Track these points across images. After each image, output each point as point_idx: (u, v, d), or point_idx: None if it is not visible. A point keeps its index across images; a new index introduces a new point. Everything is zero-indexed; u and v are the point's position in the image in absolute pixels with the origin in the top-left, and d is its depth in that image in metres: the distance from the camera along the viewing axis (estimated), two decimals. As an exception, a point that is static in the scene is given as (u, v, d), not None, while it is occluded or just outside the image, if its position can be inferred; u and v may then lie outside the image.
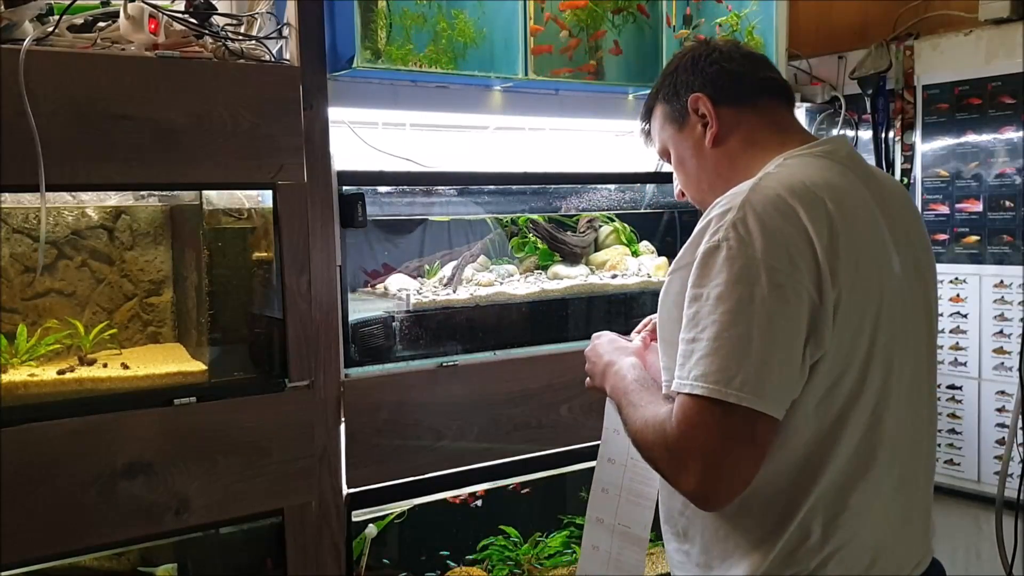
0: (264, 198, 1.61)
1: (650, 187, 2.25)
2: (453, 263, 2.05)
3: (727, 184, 1.19)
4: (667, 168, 2.12)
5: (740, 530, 1.12)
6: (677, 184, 1.39)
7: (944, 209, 2.45)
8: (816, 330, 1.03)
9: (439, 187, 1.94)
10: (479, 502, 2.06)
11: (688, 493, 1.04)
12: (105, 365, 1.56)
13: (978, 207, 2.37)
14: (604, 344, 1.39)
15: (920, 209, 2.50)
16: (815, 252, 1.03)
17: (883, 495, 1.14)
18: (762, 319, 1.00)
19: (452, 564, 2.06)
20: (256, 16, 1.64)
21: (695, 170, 1.30)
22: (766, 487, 1.08)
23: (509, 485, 2.03)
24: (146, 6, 1.44)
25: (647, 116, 1.38)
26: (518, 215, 2.16)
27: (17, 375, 1.47)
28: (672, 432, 1.03)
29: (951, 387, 2.41)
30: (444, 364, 1.80)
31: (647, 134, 1.40)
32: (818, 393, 1.06)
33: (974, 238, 2.37)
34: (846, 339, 1.06)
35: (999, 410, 2.32)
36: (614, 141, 2.35)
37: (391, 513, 1.85)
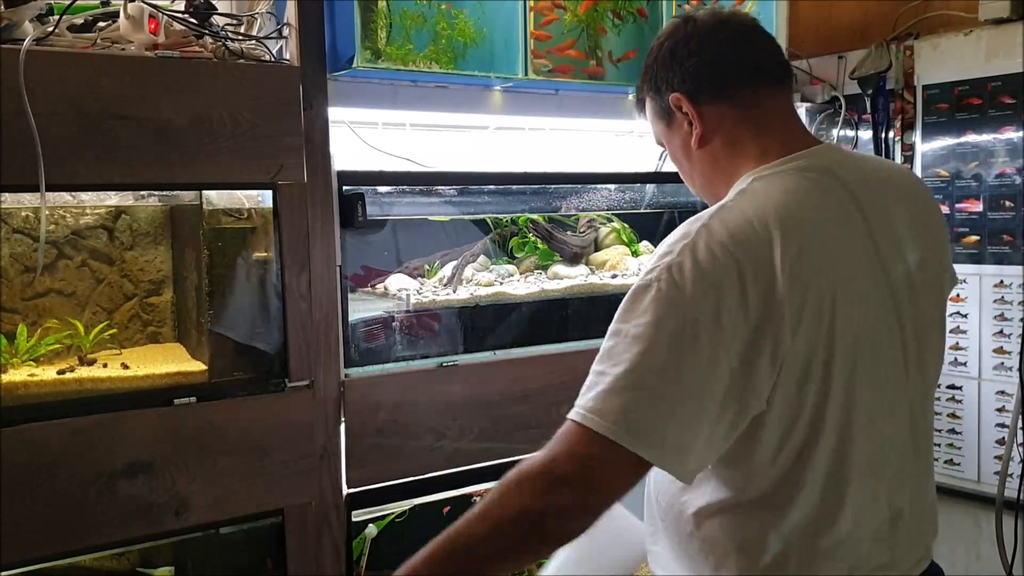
0: (264, 198, 1.61)
1: (650, 187, 2.25)
2: (453, 263, 2.05)
3: (712, 187, 1.17)
4: (667, 168, 2.11)
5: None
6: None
7: (944, 209, 2.45)
8: (745, 385, 0.98)
9: (439, 187, 1.94)
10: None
11: (550, 509, 0.96)
12: (105, 365, 1.56)
13: (978, 207, 2.37)
14: None
15: (920, 209, 2.49)
16: (750, 307, 0.97)
17: (867, 521, 1.11)
18: (673, 368, 0.96)
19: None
20: (256, 16, 1.65)
21: (687, 168, 1.24)
22: (735, 534, 1.07)
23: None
24: (146, 6, 1.44)
25: (640, 108, 1.31)
26: (518, 215, 2.16)
27: (17, 375, 1.47)
28: (547, 456, 0.98)
29: (951, 387, 2.41)
30: (444, 364, 1.80)
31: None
32: (772, 442, 1.03)
33: (974, 238, 2.37)
34: (798, 388, 1.02)
35: (999, 410, 2.32)
36: (614, 141, 2.35)
37: (391, 513, 1.85)
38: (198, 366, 1.58)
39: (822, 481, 1.06)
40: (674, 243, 1.02)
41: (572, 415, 0.99)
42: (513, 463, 1.86)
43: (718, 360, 0.96)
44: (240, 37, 1.58)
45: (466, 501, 1.97)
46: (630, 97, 2.07)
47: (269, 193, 1.57)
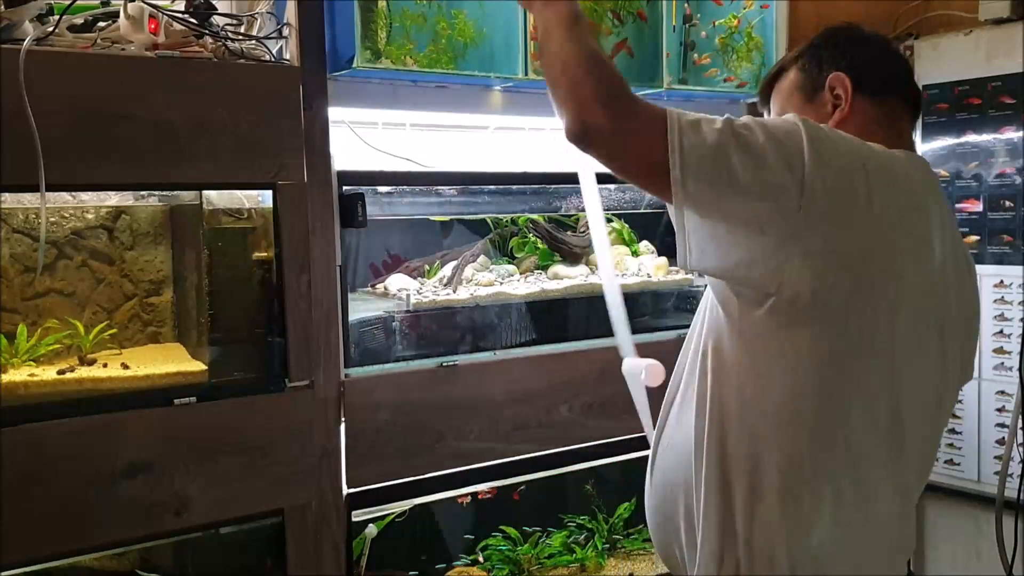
0: (264, 198, 1.61)
1: (650, 187, 2.24)
2: (453, 263, 2.05)
3: None
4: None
5: None
6: None
7: (944, 209, 2.44)
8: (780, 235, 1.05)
9: (439, 187, 1.94)
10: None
11: (587, 123, 1.07)
12: (105, 365, 1.56)
13: (978, 207, 2.37)
14: None
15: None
16: (857, 181, 1.07)
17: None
18: (754, 149, 1.04)
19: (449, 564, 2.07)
20: (256, 16, 1.64)
21: None
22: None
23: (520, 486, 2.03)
24: (146, 6, 1.44)
25: (774, 77, 1.36)
26: (518, 215, 2.16)
27: (17, 375, 1.47)
28: (632, 99, 1.07)
29: (951, 387, 2.41)
30: (444, 364, 1.80)
31: (765, 94, 1.38)
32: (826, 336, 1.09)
33: (974, 238, 2.37)
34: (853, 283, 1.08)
35: (999, 410, 2.32)
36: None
37: (391, 513, 1.85)
38: (198, 366, 1.58)
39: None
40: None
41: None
42: (513, 463, 1.88)
43: (785, 195, 1.04)
44: (240, 37, 1.58)
45: (469, 500, 1.98)
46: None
47: (269, 193, 1.57)
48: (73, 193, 1.57)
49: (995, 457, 2.32)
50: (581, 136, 1.07)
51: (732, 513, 1.15)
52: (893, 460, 1.17)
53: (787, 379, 1.11)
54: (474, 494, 1.98)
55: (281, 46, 1.64)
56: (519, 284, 2.04)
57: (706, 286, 1.21)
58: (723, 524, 1.15)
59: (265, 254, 1.62)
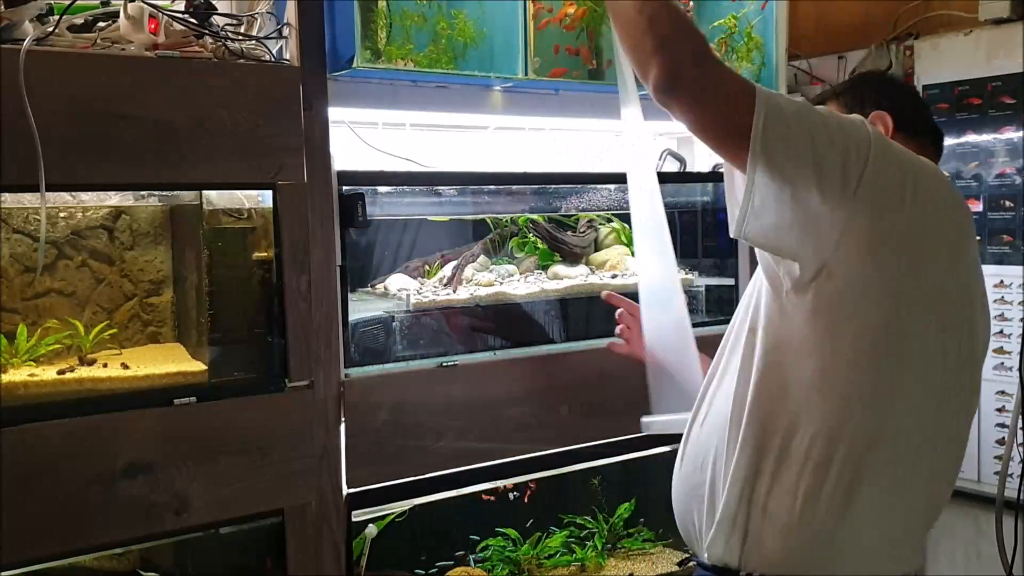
0: (264, 198, 1.61)
1: (650, 187, 2.24)
2: (453, 263, 2.05)
3: None
4: (666, 168, 2.11)
5: None
6: None
7: (944, 209, 2.44)
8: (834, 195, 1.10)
9: (439, 187, 1.94)
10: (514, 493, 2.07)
11: (678, 76, 1.09)
12: (105, 365, 1.56)
13: (978, 207, 2.37)
14: None
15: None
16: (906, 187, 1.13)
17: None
18: (830, 126, 1.11)
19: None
20: (256, 16, 1.64)
21: None
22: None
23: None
24: (146, 6, 1.44)
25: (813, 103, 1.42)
26: (518, 215, 2.16)
27: (17, 375, 1.47)
28: (716, 60, 1.11)
29: (951, 387, 2.41)
30: (444, 364, 1.80)
31: None
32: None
33: (974, 238, 2.37)
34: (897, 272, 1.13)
35: (999, 410, 2.32)
36: (614, 141, 2.35)
37: (391, 513, 1.85)
38: (198, 366, 1.58)
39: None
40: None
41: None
42: (513, 463, 1.88)
43: (849, 171, 1.10)
44: (240, 37, 1.58)
45: (469, 500, 1.98)
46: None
47: (269, 193, 1.57)
48: (73, 193, 1.57)
49: (995, 457, 2.32)
50: (670, 88, 1.09)
51: (756, 478, 1.18)
52: (926, 455, 1.20)
53: (827, 355, 1.14)
54: (474, 494, 1.98)
55: (281, 46, 1.64)
56: (519, 284, 2.04)
57: (755, 267, 1.25)
58: (744, 488, 1.19)
59: (265, 254, 1.62)
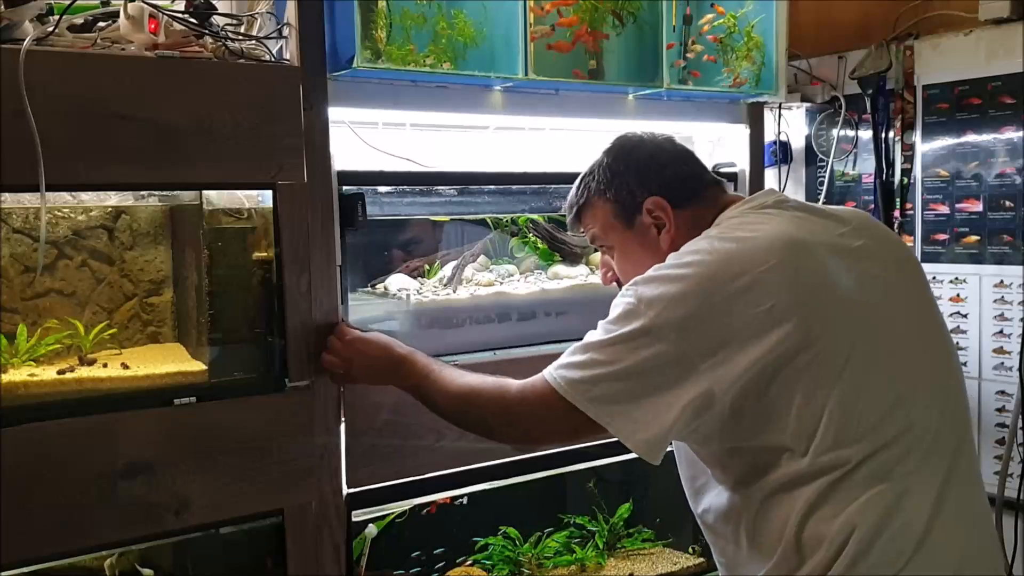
0: (264, 198, 1.60)
1: (650, 187, 2.24)
2: (453, 263, 2.05)
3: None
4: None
5: None
6: (605, 271, 1.52)
7: (944, 209, 2.45)
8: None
9: (439, 187, 1.94)
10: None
11: (507, 438, 1.42)
12: (105, 365, 1.56)
13: (978, 207, 2.37)
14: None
15: (920, 209, 2.50)
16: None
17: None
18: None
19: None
20: (256, 16, 1.64)
21: (641, 261, 1.36)
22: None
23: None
24: (146, 6, 1.44)
25: (580, 208, 1.48)
26: (518, 215, 2.16)
27: (17, 375, 1.47)
28: (522, 400, 1.32)
29: (951, 387, 2.41)
30: (444, 364, 1.80)
31: (574, 223, 1.51)
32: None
33: (974, 238, 2.38)
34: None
35: (999, 410, 2.32)
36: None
37: (391, 513, 1.85)
38: (198, 366, 1.58)
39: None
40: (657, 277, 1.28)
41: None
42: (513, 464, 1.89)
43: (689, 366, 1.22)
44: (240, 37, 1.58)
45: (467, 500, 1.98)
46: (630, 97, 2.07)
47: (269, 193, 1.57)
48: (73, 193, 1.57)
49: (995, 457, 2.32)
50: (519, 446, 1.45)
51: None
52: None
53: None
54: (473, 495, 1.98)
55: (281, 46, 1.64)
56: (519, 284, 2.04)
57: None
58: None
59: (265, 254, 1.62)
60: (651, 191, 1.37)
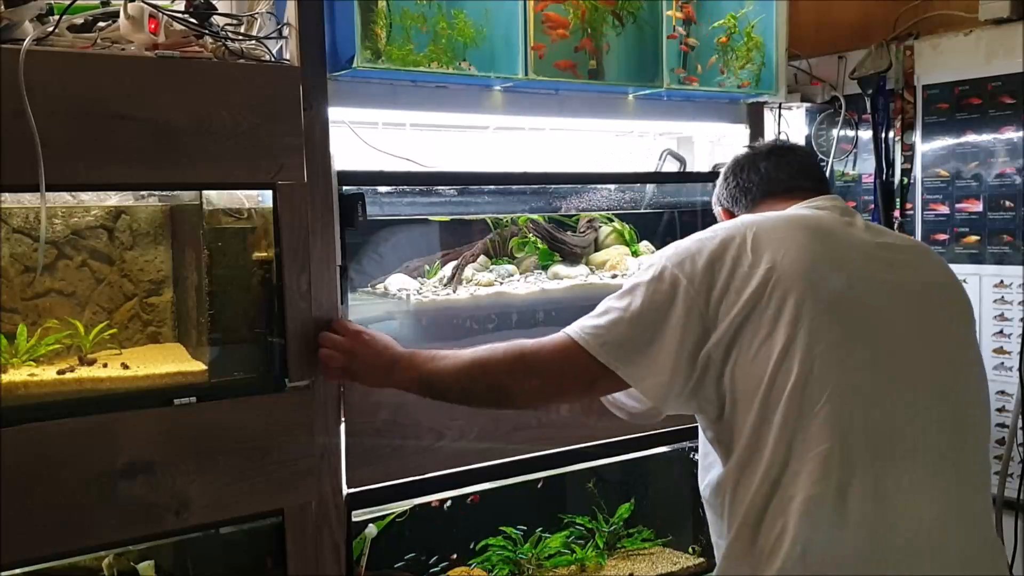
0: (264, 198, 1.60)
1: (650, 187, 2.25)
2: (453, 263, 2.05)
3: None
4: (666, 168, 2.12)
5: None
6: None
7: (944, 209, 2.45)
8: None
9: (439, 187, 1.94)
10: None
11: (522, 396, 1.43)
12: (105, 365, 1.56)
13: (978, 207, 2.37)
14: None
15: (920, 209, 2.50)
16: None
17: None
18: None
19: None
20: (256, 16, 1.64)
21: None
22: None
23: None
24: (146, 6, 1.44)
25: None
26: (518, 215, 2.16)
27: (17, 375, 1.47)
28: (539, 352, 1.35)
29: (951, 387, 2.41)
30: (444, 364, 1.80)
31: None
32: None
33: (974, 238, 2.37)
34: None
35: (999, 410, 2.32)
36: (614, 141, 2.35)
37: (391, 513, 1.85)
38: (198, 366, 1.58)
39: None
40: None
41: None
42: (513, 464, 1.88)
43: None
44: (240, 37, 1.58)
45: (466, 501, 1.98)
46: (630, 97, 2.07)
47: (269, 193, 1.57)
48: (73, 193, 1.57)
49: (995, 457, 2.32)
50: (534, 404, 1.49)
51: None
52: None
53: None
54: (473, 495, 1.98)
55: (281, 46, 1.64)
56: (519, 284, 2.04)
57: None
58: None
59: (265, 254, 1.62)
60: (721, 204, 1.59)
